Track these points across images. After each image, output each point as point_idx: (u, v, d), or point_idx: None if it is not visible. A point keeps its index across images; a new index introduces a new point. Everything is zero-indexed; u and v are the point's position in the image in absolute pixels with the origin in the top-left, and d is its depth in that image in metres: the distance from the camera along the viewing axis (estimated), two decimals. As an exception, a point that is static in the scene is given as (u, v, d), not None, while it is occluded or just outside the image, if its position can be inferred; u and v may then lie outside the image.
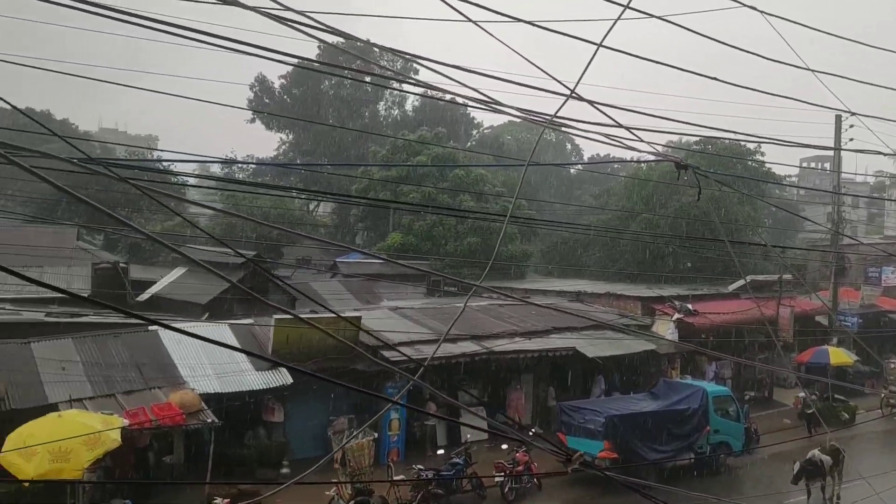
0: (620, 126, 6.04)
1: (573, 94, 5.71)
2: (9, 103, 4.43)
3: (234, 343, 20.18)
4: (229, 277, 27.22)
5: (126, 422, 15.37)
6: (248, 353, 17.33)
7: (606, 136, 6.36)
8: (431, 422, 22.19)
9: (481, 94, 5.78)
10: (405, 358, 19.34)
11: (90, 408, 16.15)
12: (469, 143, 59.27)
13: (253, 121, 59.95)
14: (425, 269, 29.43)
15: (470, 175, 40.43)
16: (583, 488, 19.53)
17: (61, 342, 18.90)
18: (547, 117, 6.09)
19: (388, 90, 58.40)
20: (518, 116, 6.64)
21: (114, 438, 13.94)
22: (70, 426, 13.67)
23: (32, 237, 29.44)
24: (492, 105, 5.84)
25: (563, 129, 6.79)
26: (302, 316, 15.76)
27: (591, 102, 5.92)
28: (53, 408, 15.87)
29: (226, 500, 15.45)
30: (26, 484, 13.25)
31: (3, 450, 13.24)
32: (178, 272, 30.90)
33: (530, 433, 20.61)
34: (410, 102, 61.15)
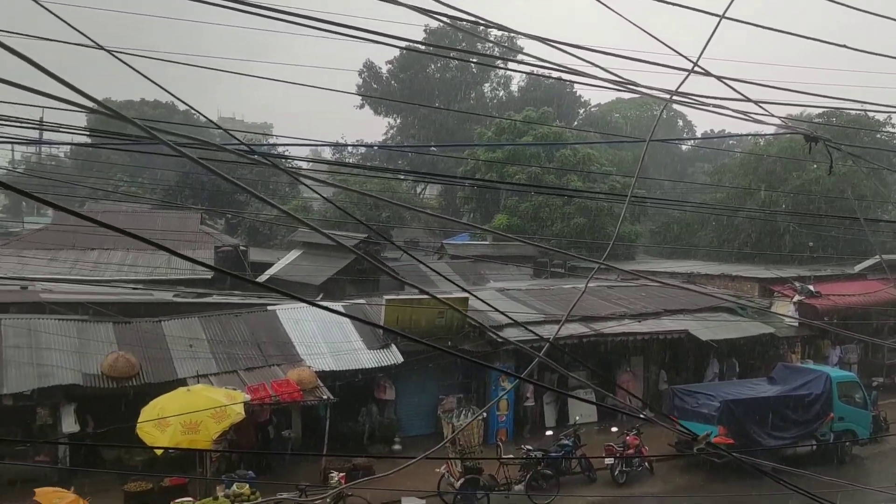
0: (749, 100, 5.79)
1: (696, 68, 5.51)
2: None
3: (350, 323, 20.83)
4: (341, 259, 28.07)
5: (248, 397, 16.22)
6: (396, 332, 17.78)
7: (733, 110, 6.11)
8: (530, 403, 22.17)
9: (598, 67, 5.66)
10: (509, 339, 19.40)
11: (215, 383, 17.10)
12: (576, 123, 58.31)
13: (362, 106, 61.13)
14: (535, 247, 29.32)
15: (577, 155, 39.83)
16: (694, 473, 19.08)
17: (189, 321, 20.06)
18: (669, 92, 5.89)
19: (494, 71, 58.23)
20: (639, 92, 6.47)
21: (238, 412, 14.75)
22: (198, 400, 14.56)
23: (161, 221, 31.34)
24: (610, 81, 5.73)
25: (686, 104, 6.56)
26: (411, 297, 16.15)
27: (718, 78, 5.71)
28: (182, 382, 16.92)
29: (341, 474, 16.06)
30: (160, 452, 14.22)
31: (139, 421, 14.27)
32: (293, 254, 32.08)
33: (641, 415, 20.29)
34: (516, 83, 60.73)
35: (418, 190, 55.82)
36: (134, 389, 17.12)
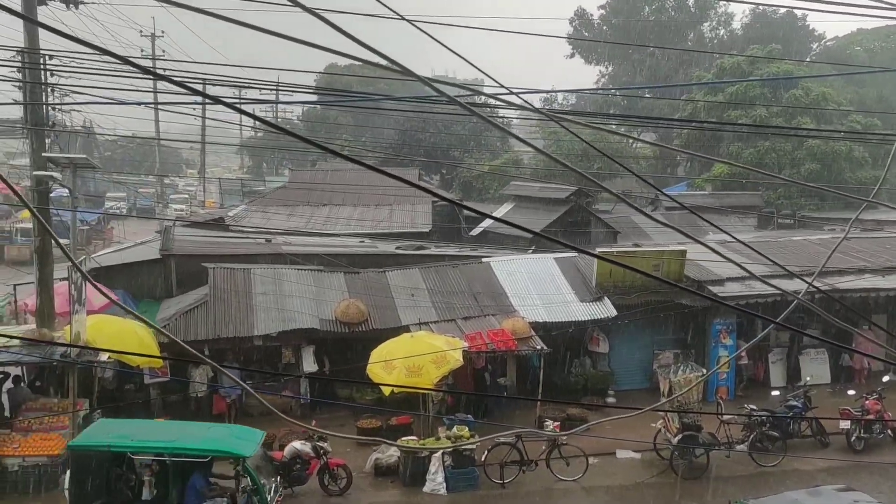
0: None
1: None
2: (382, 55, 4.98)
3: (562, 275, 20.93)
4: (553, 211, 28.13)
5: (466, 344, 16.93)
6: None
7: None
8: (745, 362, 20.94)
9: None
10: (735, 294, 18.44)
11: (435, 330, 18.02)
12: (808, 59, 53.10)
13: (572, 55, 60.07)
14: (761, 196, 27.44)
15: (809, 95, 36.37)
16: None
17: (410, 272, 21.22)
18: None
19: (714, 9, 54.46)
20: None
21: (457, 359, 15.49)
22: (421, 346, 15.46)
23: (381, 178, 33.17)
24: (860, 6, 5.18)
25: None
26: (625, 249, 15.85)
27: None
28: (405, 329, 18.01)
29: (556, 423, 16.35)
30: (388, 392, 15.33)
31: (369, 363, 15.47)
32: (506, 207, 32.62)
33: (884, 378, 18.56)
34: (738, 20, 56.40)
35: (630, 141, 54.12)
36: (363, 334, 18.53)
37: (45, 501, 13.93)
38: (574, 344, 20.11)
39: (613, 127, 43.93)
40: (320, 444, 14.40)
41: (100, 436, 12.02)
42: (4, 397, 15.88)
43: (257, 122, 50.07)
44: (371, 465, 15.44)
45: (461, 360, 15.79)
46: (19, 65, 14.73)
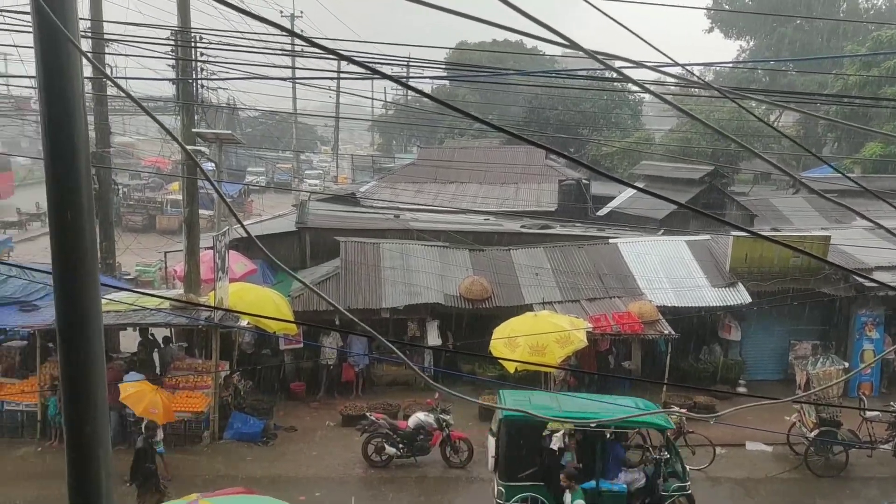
0: None
1: None
2: (554, 31, 4.98)
3: (693, 259, 20.22)
4: (685, 192, 27.14)
5: (590, 326, 16.74)
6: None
7: None
8: (891, 356, 19.46)
9: None
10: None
11: (559, 310, 17.90)
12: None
13: (711, 30, 57.38)
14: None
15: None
16: None
17: (534, 251, 21.14)
18: None
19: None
20: None
21: (581, 339, 15.33)
22: (544, 325, 15.41)
23: (509, 157, 33.12)
24: None
25: None
26: (763, 233, 14.99)
27: None
28: (529, 308, 17.99)
29: (682, 409, 15.91)
30: (511, 368, 15.40)
31: (493, 339, 15.58)
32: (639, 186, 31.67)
33: None
34: (900, -14, 51.96)
35: (772, 118, 51.18)
36: (486, 311, 18.69)
37: (190, 454, 15.01)
38: (704, 330, 19.44)
39: (753, 105, 41.72)
40: (443, 416, 14.70)
41: (521, 406, 12.30)
42: (156, 356, 17.17)
43: (388, 100, 50.96)
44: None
45: (585, 340, 15.63)
46: (173, 44, 15.69)
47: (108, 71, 17.40)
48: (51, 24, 2.78)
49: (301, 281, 4.67)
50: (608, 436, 12.39)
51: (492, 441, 13.04)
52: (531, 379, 16.80)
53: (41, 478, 13.51)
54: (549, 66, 61.53)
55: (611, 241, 21.80)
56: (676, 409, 15.95)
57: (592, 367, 18.28)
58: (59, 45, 2.86)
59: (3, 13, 10.31)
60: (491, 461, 12.94)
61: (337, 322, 17.83)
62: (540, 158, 32.74)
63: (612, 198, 31.77)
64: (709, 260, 20.25)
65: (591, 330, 16.61)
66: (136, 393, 13.63)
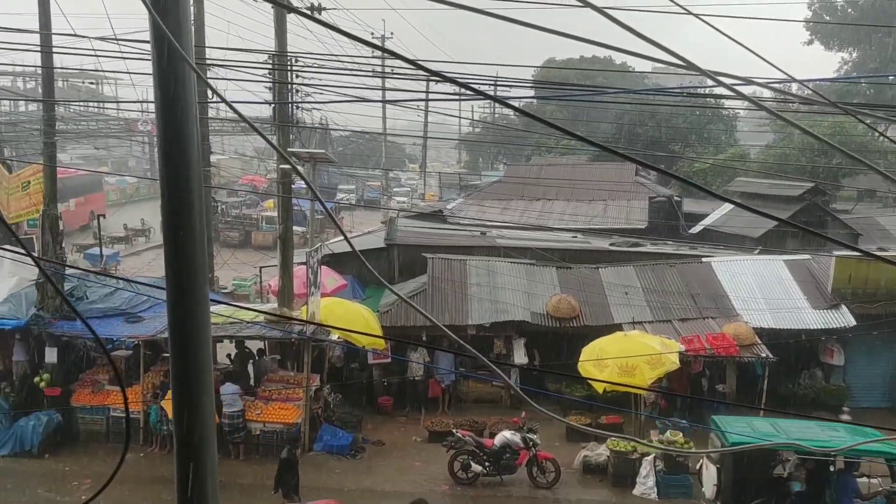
0: None
1: None
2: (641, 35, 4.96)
3: (792, 279, 19.42)
4: (783, 210, 26.17)
5: (682, 347, 16.28)
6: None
7: None
8: None
9: None
10: None
11: (649, 330, 17.50)
12: None
13: (810, 42, 55.30)
14: None
15: None
16: None
17: (624, 269, 20.76)
18: None
19: None
20: None
21: (672, 361, 14.93)
22: (634, 345, 15.09)
23: (597, 173, 32.73)
24: None
25: None
26: (870, 252, 14.35)
27: None
28: (618, 327, 17.66)
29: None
30: (600, 389, 15.13)
31: (581, 360, 15.36)
32: (729, 205, 30.78)
33: None
34: None
35: (877, 134, 48.74)
36: (574, 330, 18.46)
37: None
38: (804, 353, 18.61)
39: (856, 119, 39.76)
40: (530, 435, 14.58)
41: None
42: (250, 368, 17.74)
43: (475, 118, 51.34)
44: (580, 461, 15.37)
45: (677, 362, 15.21)
46: (269, 67, 16.30)
47: (209, 94, 18.25)
48: (170, 48, 2.95)
49: (398, 295, 4.77)
50: (839, 465, 11.87)
51: (712, 469, 12.84)
52: (620, 401, 16.46)
53: (143, 482, 14.12)
54: (639, 81, 60.65)
55: (704, 259, 21.19)
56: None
57: (684, 390, 17.76)
58: (176, 68, 3.03)
59: (120, 41, 10.98)
60: (711, 489, 12.77)
61: (424, 337, 17.98)
62: (630, 175, 32.22)
63: (705, 215, 30.92)
64: (809, 280, 19.40)
65: (683, 351, 16.16)
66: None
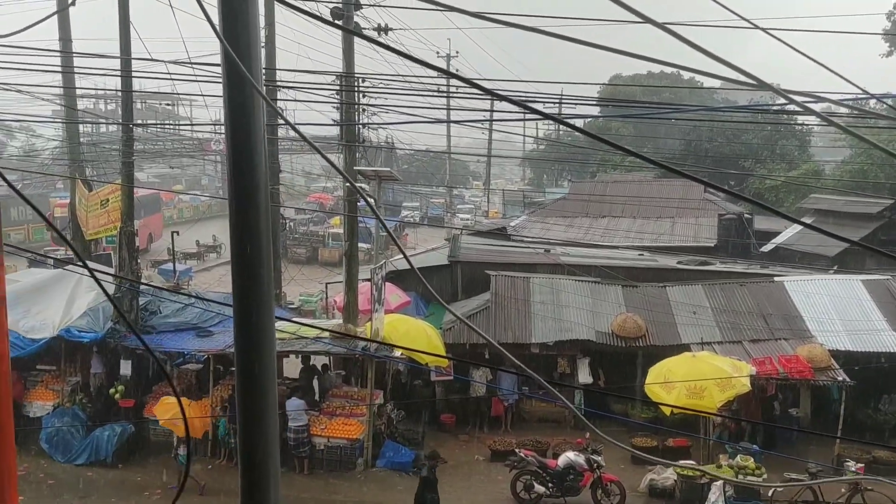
0: None
1: None
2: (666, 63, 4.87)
3: (871, 299, 18.63)
4: (861, 228, 25.19)
5: (754, 369, 15.76)
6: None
7: None
8: None
9: None
10: None
11: (718, 351, 17.03)
12: None
13: (889, 55, 53.30)
14: None
15: None
16: None
17: (692, 288, 20.29)
18: None
19: None
20: None
21: (744, 384, 14.48)
22: (703, 367, 14.71)
23: (665, 190, 32.16)
24: None
25: None
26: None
27: None
28: (686, 347, 17.25)
29: (859, 465, 14.58)
30: (668, 412, 14.78)
31: (647, 381, 15.05)
32: (805, 222, 29.79)
33: None
34: None
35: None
36: (640, 350, 18.12)
37: (345, 480, 15.52)
38: (885, 377, 17.78)
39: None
40: (594, 457, 14.32)
41: None
42: (315, 383, 17.98)
43: (547, 131, 51.25)
44: (646, 485, 15.02)
45: (748, 385, 14.74)
46: (337, 88, 16.64)
47: (278, 113, 18.72)
48: (239, 73, 3.04)
49: (454, 313, 4.76)
50: None
51: None
52: (688, 423, 16.05)
53: (211, 494, 14.44)
54: (707, 97, 59.59)
55: (776, 279, 20.55)
56: (853, 464, 14.65)
57: (756, 414, 17.18)
58: (245, 93, 3.12)
59: (194, 65, 11.40)
60: None
61: (487, 356, 17.91)
62: (698, 191, 31.55)
63: (778, 233, 30.00)
64: (890, 301, 18.59)
65: (754, 374, 15.65)
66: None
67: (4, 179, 2.72)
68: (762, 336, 18.10)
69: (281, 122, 19.19)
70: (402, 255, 29.93)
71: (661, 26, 2.75)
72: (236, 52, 2.99)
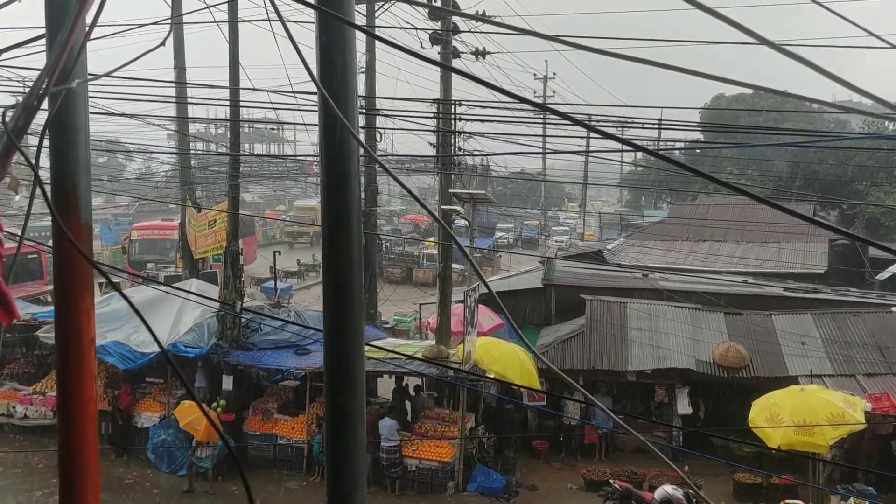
0: None
1: None
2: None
3: None
4: None
5: (869, 405, 14.80)
6: None
7: None
8: None
9: None
10: None
11: (830, 385, 16.08)
12: None
13: None
14: None
15: None
16: None
17: (800, 317, 19.29)
18: None
19: None
20: None
21: (858, 420, 13.59)
22: (813, 401, 13.89)
23: (770, 213, 30.79)
24: None
25: None
26: None
27: None
28: (793, 380, 16.37)
29: None
30: (774, 451, 14.03)
31: (751, 415, 14.33)
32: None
33: None
34: None
35: None
36: (743, 381, 17.33)
37: (435, 503, 15.47)
38: None
39: None
40: (693, 492, 13.73)
41: None
42: (408, 404, 18.08)
43: (639, 158, 50.43)
44: (748, 524, 14.28)
45: (864, 422, 13.82)
46: (434, 112, 16.86)
47: (378, 136, 19.11)
48: (333, 114, 3.09)
49: (529, 346, 4.69)
50: None
51: None
52: (794, 461, 15.19)
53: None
54: (816, 117, 57.02)
55: (894, 309, 19.28)
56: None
57: (871, 454, 16.09)
58: (341, 130, 3.16)
59: (295, 94, 11.81)
60: None
61: (581, 381, 17.55)
62: (808, 216, 30.05)
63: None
64: None
65: (870, 410, 14.67)
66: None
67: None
68: (878, 370, 16.99)
69: (379, 154, 19.58)
70: (495, 277, 29.83)
71: (779, 48, 2.59)
72: (332, 96, 3.04)
